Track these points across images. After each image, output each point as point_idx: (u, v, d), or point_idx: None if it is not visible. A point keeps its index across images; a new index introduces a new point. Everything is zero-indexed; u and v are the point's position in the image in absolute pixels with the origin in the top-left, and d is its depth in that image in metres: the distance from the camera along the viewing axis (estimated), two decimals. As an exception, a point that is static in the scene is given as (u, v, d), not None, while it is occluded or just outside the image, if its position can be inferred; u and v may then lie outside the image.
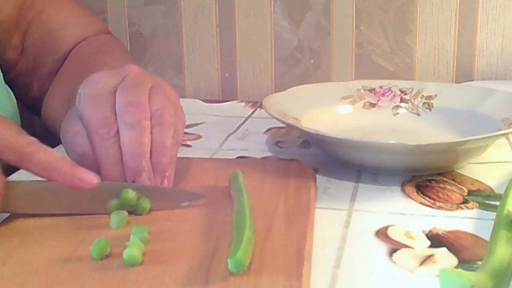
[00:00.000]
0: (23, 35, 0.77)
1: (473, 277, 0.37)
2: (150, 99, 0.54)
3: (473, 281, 0.37)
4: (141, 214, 0.51)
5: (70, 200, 0.51)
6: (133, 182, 0.52)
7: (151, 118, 0.53)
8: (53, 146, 0.51)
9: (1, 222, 0.50)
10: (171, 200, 0.52)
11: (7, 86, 0.73)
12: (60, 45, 0.77)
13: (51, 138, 0.62)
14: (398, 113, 0.77)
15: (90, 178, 0.49)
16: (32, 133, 0.50)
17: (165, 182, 0.53)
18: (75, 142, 0.53)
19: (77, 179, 0.48)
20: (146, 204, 0.51)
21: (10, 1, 0.75)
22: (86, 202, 0.51)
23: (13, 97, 0.73)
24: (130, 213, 0.50)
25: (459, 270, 0.38)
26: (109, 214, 0.50)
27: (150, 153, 0.52)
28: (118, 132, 0.52)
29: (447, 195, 0.58)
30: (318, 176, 0.61)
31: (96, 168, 0.52)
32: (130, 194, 0.50)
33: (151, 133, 0.52)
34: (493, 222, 0.47)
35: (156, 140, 0.52)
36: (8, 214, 0.51)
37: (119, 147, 0.52)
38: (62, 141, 0.57)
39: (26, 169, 0.49)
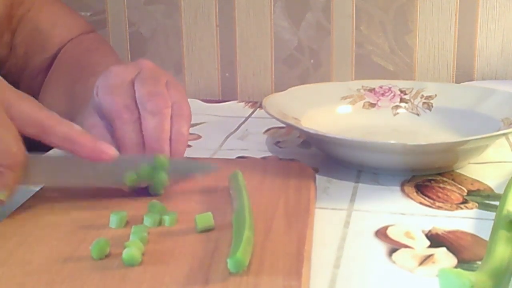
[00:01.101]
0: (13, 33, 0.78)
1: (473, 277, 0.37)
2: (168, 91, 0.58)
3: (472, 281, 0.37)
4: (158, 191, 0.53)
5: (88, 173, 0.53)
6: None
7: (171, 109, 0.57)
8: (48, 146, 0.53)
9: (1, 222, 0.50)
10: (186, 172, 0.55)
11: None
12: (49, 44, 0.79)
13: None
14: (398, 113, 0.77)
15: (111, 151, 0.51)
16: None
17: None
18: (91, 133, 0.55)
19: (98, 151, 0.51)
20: (163, 177, 0.53)
21: None
22: (104, 174, 0.53)
23: None
24: (146, 188, 0.54)
25: (459, 270, 0.38)
26: (126, 186, 0.53)
27: (170, 139, 0.56)
28: (138, 119, 0.56)
29: (447, 195, 0.58)
30: (318, 176, 0.61)
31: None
32: (147, 169, 0.53)
33: (171, 121, 0.56)
34: (492, 222, 0.47)
35: (176, 128, 0.56)
36: (7, 214, 0.51)
37: (140, 131, 0.55)
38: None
39: (48, 142, 0.51)
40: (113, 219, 0.49)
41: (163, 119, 0.56)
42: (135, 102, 0.56)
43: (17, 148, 0.49)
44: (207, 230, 0.47)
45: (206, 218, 0.47)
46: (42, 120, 0.50)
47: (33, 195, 0.54)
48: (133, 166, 0.53)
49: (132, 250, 0.43)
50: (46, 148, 0.54)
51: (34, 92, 0.78)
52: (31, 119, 0.50)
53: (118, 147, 0.55)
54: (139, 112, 0.56)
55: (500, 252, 0.41)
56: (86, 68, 0.72)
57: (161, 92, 0.57)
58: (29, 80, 0.79)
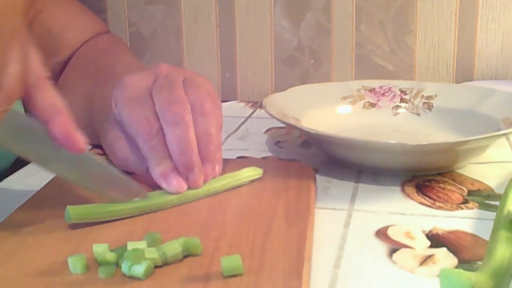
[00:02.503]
0: None
1: (474, 277, 0.37)
2: (186, 92, 0.55)
3: (473, 281, 0.37)
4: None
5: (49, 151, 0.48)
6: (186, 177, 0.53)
7: (192, 111, 0.54)
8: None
9: (1, 222, 0.50)
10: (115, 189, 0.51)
11: None
12: (61, 47, 0.77)
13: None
14: (398, 113, 0.77)
15: (82, 141, 0.47)
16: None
17: (216, 168, 0.55)
18: (115, 146, 0.56)
19: (71, 136, 0.46)
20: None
21: None
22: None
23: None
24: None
25: (460, 270, 0.38)
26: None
27: (198, 144, 0.53)
28: (160, 130, 0.53)
29: (447, 195, 0.58)
30: (318, 176, 0.61)
31: (140, 170, 0.55)
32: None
33: (195, 124, 0.54)
34: (493, 222, 0.47)
35: (201, 131, 0.54)
36: (7, 214, 0.51)
37: (164, 143, 0.53)
38: (102, 144, 0.59)
39: (32, 101, 0.46)
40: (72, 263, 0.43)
41: (186, 128, 0.53)
42: (155, 113, 0.54)
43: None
44: (235, 275, 0.41)
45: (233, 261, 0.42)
46: (41, 73, 0.46)
47: (33, 196, 0.54)
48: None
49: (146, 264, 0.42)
50: None
51: None
52: (32, 67, 0.46)
53: (147, 164, 0.54)
54: (160, 123, 0.53)
55: (501, 252, 0.41)
56: (103, 71, 0.70)
57: (178, 98, 0.54)
58: None
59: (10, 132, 0.46)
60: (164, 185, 0.53)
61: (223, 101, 0.96)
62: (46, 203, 0.53)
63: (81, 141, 0.47)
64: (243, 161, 0.67)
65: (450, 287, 0.38)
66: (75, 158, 0.49)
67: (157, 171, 0.53)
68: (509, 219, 0.45)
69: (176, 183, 0.53)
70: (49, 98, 0.47)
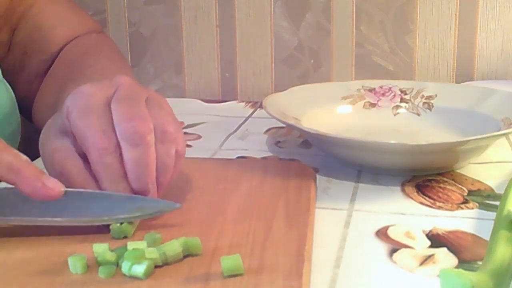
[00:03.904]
0: (12, 31, 0.74)
1: (474, 277, 0.37)
2: (149, 112, 0.50)
3: (473, 281, 0.37)
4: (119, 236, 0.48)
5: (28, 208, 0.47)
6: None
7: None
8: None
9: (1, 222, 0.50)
10: (144, 211, 0.49)
11: (4, 80, 0.70)
12: (49, 44, 0.74)
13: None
14: (398, 113, 0.77)
15: (57, 185, 0.46)
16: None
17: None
18: (54, 158, 0.50)
19: (43, 186, 0.45)
20: (129, 229, 0.48)
21: None
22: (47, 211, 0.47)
23: (11, 90, 0.70)
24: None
25: (460, 270, 0.38)
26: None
27: (156, 171, 0.49)
28: (118, 146, 0.48)
29: (447, 195, 0.58)
30: (318, 176, 0.61)
31: (71, 187, 0.49)
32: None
33: (156, 149, 0.49)
34: (493, 222, 0.47)
35: (160, 159, 0.49)
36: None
37: (120, 162, 0.48)
38: (40, 154, 0.53)
39: None
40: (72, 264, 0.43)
41: (146, 150, 0.48)
42: (113, 127, 0.49)
43: None
44: (236, 275, 0.41)
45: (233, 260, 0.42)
46: None
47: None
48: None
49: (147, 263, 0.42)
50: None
51: (31, 96, 0.74)
52: None
53: (97, 182, 0.49)
54: (116, 139, 0.48)
55: (501, 252, 0.41)
56: (76, 72, 0.67)
57: (140, 115, 0.49)
58: (26, 83, 0.74)
59: None
60: None
61: (223, 101, 0.97)
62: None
63: (53, 188, 0.45)
64: (243, 161, 0.67)
65: (450, 287, 0.38)
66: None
67: (111, 190, 0.48)
68: (509, 219, 0.45)
69: None
70: (4, 161, 0.45)
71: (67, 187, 0.47)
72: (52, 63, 0.74)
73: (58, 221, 0.48)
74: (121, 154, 0.48)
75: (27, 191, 0.45)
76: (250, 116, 0.88)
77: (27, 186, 0.45)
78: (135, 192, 0.49)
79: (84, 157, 0.49)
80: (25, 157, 0.46)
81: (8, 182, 0.46)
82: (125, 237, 0.47)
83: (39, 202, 0.46)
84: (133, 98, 0.51)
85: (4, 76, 0.71)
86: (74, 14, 0.78)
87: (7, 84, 0.70)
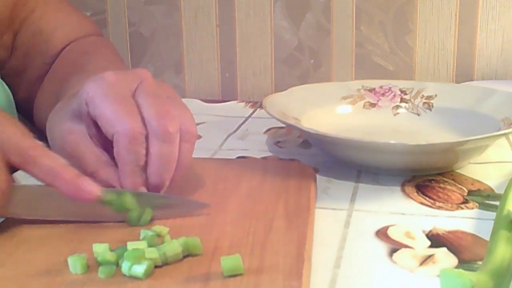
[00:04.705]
0: (15, 34, 0.75)
1: (474, 277, 0.37)
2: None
3: (474, 281, 0.37)
4: (141, 224, 0.49)
5: (71, 206, 0.49)
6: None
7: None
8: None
9: (1, 222, 0.50)
10: (174, 209, 0.51)
11: (2, 81, 0.71)
12: (50, 47, 0.75)
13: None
14: (398, 113, 0.77)
15: (94, 189, 0.48)
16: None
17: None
18: (66, 139, 0.52)
19: (80, 189, 0.47)
20: (149, 215, 0.50)
21: None
22: (87, 208, 0.49)
23: (9, 91, 0.71)
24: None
25: (460, 270, 0.38)
26: (112, 221, 0.49)
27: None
28: (146, 138, 0.50)
29: (447, 195, 0.58)
30: (318, 176, 0.61)
31: (86, 169, 0.51)
32: (133, 206, 0.49)
33: (179, 147, 0.51)
34: (493, 222, 0.47)
35: (182, 158, 0.51)
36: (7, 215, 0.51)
37: (145, 153, 0.50)
38: (48, 136, 0.55)
39: (30, 173, 0.48)
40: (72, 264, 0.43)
41: (172, 147, 0.50)
42: (143, 120, 0.51)
43: (1, 176, 0.46)
44: (236, 275, 0.41)
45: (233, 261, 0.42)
46: (26, 150, 0.47)
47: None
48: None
49: (146, 264, 0.42)
50: None
51: (32, 98, 0.75)
52: (14, 147, 0.47)
53: (117, 168, 0.51)
54: (146, 131, 0.50)
55: (501, 252, 0.41)
56: (77, 71, 0.68)
57: (170, 114, 0.51)
58: (28, 86, 0.76)
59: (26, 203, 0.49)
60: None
61: (223, 101, 0.97)
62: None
63: (91, 191, 0.48)
64: (243, 161, 0.67)
65: (450, 287, 0.38)
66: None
67: (129, 179, 0.50)
68: (509, 219, 0.45)
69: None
70: (43, 166, 0.47)
71: (77, 168, 0.49)
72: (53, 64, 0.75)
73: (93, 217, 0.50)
74: (146, 147, 0.50)
75: (66, 193, 0.47)
76: (250, 116, 0.88)
77: (66, 189, 0.47)
78: (150, 185, 0.51)
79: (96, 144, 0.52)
80: (63, 160, 0.48)
81: (48, 185, 0.48)
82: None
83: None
84: (160, 95, 0.53)
85: (6, 79, 0.73)
86: (73, 18, 0.79)
87: (5, 85, 0.71)
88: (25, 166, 0.48)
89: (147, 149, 0.50)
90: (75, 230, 0.48)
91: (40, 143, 0.48)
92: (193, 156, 0.65)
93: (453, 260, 0.46)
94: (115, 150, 0.50)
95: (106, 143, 0.52)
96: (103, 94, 0.51)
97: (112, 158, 0.51)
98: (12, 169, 0.48)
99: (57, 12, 0.78)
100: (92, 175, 0.51)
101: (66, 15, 0.79)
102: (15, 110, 0.72)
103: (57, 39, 0.76)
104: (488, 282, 0.38)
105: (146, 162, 0.50)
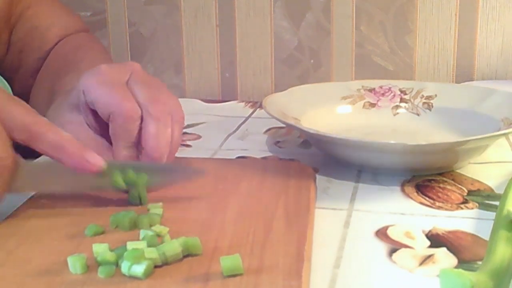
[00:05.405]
0: (11, 31, 0.77)
1: (474, 277, 0.37)
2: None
3: (473, 281, 0.37)
4: (137, 201, 0.52)
5: (75, 178, 0.51)
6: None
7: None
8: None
9: (1, 222, 0.50)
10: (170, 176, 0.54)
11: (0, 77, 0.72)
12: (45, 43, 0.78)
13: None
14: (398, 113, 0.77)
15: (98, 161, 0.50)
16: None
17: None
18: (66, 129, 0.54)
19: (85, 161, 0.49)
20: (144, 179, 0.53)
21: None
22: (91, 180, 0.51)
23: (8, 87, 0.73)
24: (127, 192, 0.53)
25: (460, 270, 0.38)
26: (112, 189, 0.52)
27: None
28: (140, 118, 0.54)
29: (447, 195, 0.58)
30: (318, 176, 0.61)
31: None
32: (133, 175, 0.52)
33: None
34: (493, 222, 0.47)
35: (174, 136, 0.56)
36: (6, 214, 0.51)
37: (139, 133, 0.54)
38: None
39: (36, 148, 0.49)
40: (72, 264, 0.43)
41: (167, 127, 0.55)
42: (136, 103, 0.55)
43: (5, 152, 0.48)
44: (235, 275, 0.41)
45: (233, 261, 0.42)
46: (30, 126, 0.49)
47: (31, 197, 0.54)
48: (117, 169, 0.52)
49: (146, 264, 0.42)
50: (37, 153, 0.53)
51: (27, 93, 0.77)
52: (19, 124, 0.49)
53: (112, 145, 0.55)
54: (140, 113, 0.55)
55: (501, 252, 0.41)
56: (70, 65, 0.71)
57: (162, 99, 0.56)
58: (22, 81, 0.78)
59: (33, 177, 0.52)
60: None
61: (223, 101, 0.97)
62: (46, 202, 0.53)
63: (95, 163, 0.50)
64: (243, 161, 0.67)
65: (450, 287, 0.38)
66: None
67: (123, 153, 0.54)
68: (509, 219, 0.45)
69: None
70: (48, 140, 0.49)
71: None
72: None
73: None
74: (140, 128, 0.54)
75: (71, 166, 0.50)
76: (250, 116, 0.88)
77: (71, 162, 0.49)
78: (147, 160, 0.54)
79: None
80: (68, 134, 0.50)
81: (54, 159, 0.50)
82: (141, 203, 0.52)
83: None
84: (150, 83, 0.58)
85: (2, 74, 0.73)
86: (65, 15, 0.82)
87: (5, 81, 0.72)
88: (30, 142, 0.49)
89: (141, 129, 0.54)
90: (75, 230, 0.48)
91: (44, 118, 0.50)
92: (194, 156, 0.66)
93: (452, 260, 0.46)
94: (110, 129, 0.55)
95: (102, 131, 0.57)
96: (99, 82, 0.56)
97: (110, 143, 0.56)
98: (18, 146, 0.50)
99: (51, 9, 0.81)
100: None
101: (58, 12, 0.81)
102: None
103: (52, 35, 0.78)
104: (488, 282, 0.38)
105: (139, 141, 0.55)
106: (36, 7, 0.78)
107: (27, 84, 0.77)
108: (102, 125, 0.57)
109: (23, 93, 0.77)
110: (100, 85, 0.55)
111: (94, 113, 0.56)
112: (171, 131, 0.55)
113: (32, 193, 0.54)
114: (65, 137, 0.50)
